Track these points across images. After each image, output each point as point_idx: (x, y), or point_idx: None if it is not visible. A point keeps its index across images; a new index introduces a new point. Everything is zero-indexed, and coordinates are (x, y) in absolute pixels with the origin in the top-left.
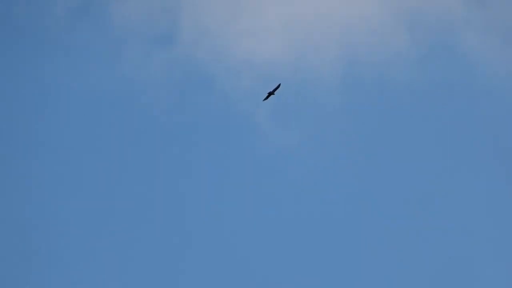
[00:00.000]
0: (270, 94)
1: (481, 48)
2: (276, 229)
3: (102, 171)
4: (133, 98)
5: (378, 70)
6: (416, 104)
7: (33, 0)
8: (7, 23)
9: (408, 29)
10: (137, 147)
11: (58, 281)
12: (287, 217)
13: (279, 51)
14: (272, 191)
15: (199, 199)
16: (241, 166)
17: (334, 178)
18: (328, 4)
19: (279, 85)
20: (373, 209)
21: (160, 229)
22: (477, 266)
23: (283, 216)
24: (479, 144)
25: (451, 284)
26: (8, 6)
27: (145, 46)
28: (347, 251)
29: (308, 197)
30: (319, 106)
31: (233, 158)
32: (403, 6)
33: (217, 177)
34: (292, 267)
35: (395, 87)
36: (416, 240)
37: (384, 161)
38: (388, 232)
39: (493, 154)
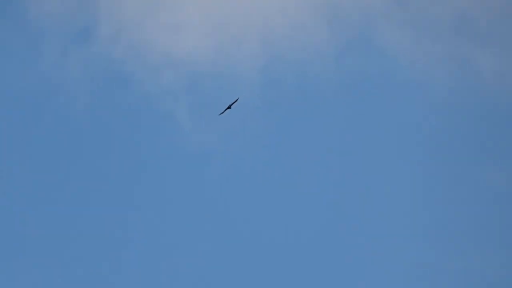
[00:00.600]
0: (227, 108)
1: (399, 42)
2: (196, 228)
3: (19, 170)
4: (51, 97)
5: (298, 65)
6: (336, 99)
7: None
8: None
9: (327, 23)
10: (54, 147)
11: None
12: (207, 216)
13: (199, 46)
14: (193, 190)
15: (118, 200)
16: (161, 165)
17: (254, 175)
18: None
19: (237, 100)
20: (293, 206)
21: (80, 235)
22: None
23: (203, 214)
24: (399, 136)
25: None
26: None
27: (62, 43)
28: (265, 250)
29: (228, 196)
30: (239, 101)
31: (153, 157)
32: (323, 0)
33: (136, 177)
34: (211, 268)
35: (314, 82)
36: (343, 237)
37: (303, 157)
38: (308, 228)
39: (414, 145)
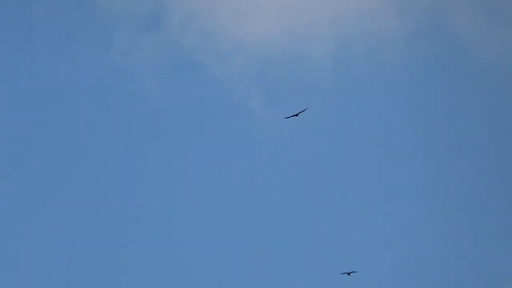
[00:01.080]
0: (294, 115)
1: (468, 26)
2: (269, 213)
3: (92, 158)
4: (122, 85)
5: (369, 49)
6: (407, 83)
7: None
8: None
9: (397, 8)
10: (125, 134)
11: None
12: (283, 202)
13: (269, 31)
14: (266, 177)
15: (191, 187)
16: (234, 152)
17: (328, 159)
18: None
19: (305, 109)
20: (369, 192)
21: (151, 215)
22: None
23: (278, 201)
24: (474, 125)
25: None
26: None
27: (132, 31)
28: (348, 234)
29: (301, 182)
30: (311, 86)
31: (225, 144)
32: None
33: (210, 165)
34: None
35: (385, 66)
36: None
37: (376, 140)
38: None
39: (492, 129)
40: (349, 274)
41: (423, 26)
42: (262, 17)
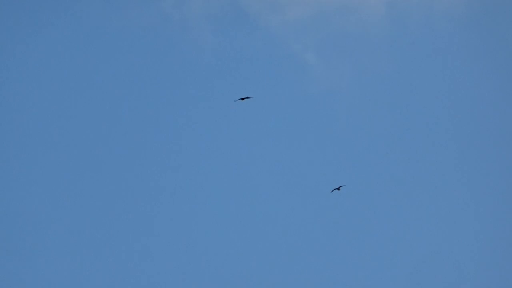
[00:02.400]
0: (241, 99)
1: None
2: (324, 167)
3: (144, 108)
4: (173, 36)
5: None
6: (462, 33)
7: None
8: None
9: None
10: (180, 86)
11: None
12: (338, 154)
13: None
14: (321, 129)
15: (245, 143)
16: (289, 104)
17: (382, 112)
18: None
19: (250, 98)
20: (424, 147)
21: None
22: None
23: (334, 152)
24: None
25: None
26: None
27: None
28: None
29: (357, 135)
30: (365, 39)
31: (280, 96)
32: None
33: (264, 118)
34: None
35: (440, 16)
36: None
37: (431, 93)
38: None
39: None
40: (338, 189)
41: None
42: None
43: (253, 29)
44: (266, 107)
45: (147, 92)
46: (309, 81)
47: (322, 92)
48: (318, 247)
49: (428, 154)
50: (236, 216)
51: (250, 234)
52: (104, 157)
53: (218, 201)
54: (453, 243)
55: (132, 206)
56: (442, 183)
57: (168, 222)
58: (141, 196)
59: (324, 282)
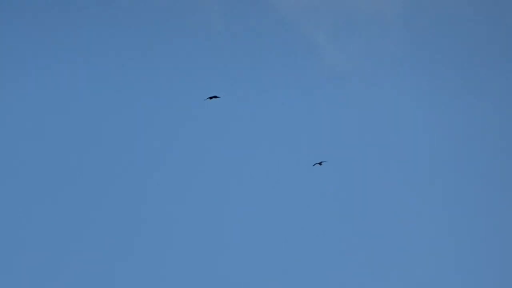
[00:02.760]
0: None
1: None
2: (331, 152)
3: (155, 83)
4: (185, 17)
5: None
6: (479, 18)
7: None
8: None
9: None
10: (190, 63)
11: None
12: (349, 138)
13: None
14: (332, 111)
15: (254, 122)
16: (300, 86)
17: (395, 95)
18: None
19: (219, 97)
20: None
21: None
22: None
23: (344, 136)
24: None
25: None
26: None
27: None
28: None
29: (369, 117)
30: (378, 19)
31: (291, 78)
32: None
33: (276, 100)
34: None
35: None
36: None
37: (447, 75)
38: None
39: None
40: (320, 164)
41: None
42: None
43: (264, 10)
44: (278, 89)
45: (155, 76)
46: (320, 62)
47: (334, 74)
48: (318, 248)
49: (444, 138)
50: (241, 214)
51: (251, 234)
52: (97, 154)
53: (225, 197)
54: (451, 244)
55: (130, 205)
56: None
57: (163, 222)
58: (139, 196)
59: (324, 283)
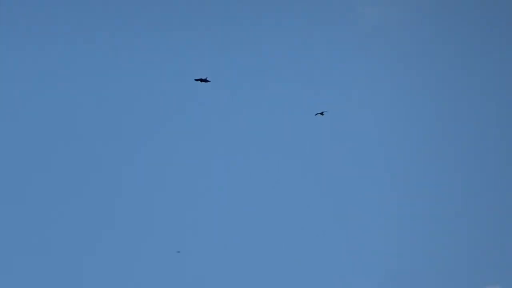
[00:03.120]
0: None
1: None
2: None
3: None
4: None
5: None
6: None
7: None
8: None
9: None
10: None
11: None
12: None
13: None
14: (373, 71)
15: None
16: (335, 45)
17: (429, 52)
18: None
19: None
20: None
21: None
22: None
23: (383, 90)
24: None
25: None
26: None
27: None
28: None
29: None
30: None
31: (330, 34)
32: None
33: (310, 57)
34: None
35: None
36: None
37: (485, 31)
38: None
39: None
40: (322, 114)
41: None
42: None
43: None
44: (314, 48)
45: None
46: (357, 19)
47: (370, 30)
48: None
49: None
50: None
51: (251, 234)
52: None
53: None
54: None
55: (130, 206)
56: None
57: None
58: (140, 196)
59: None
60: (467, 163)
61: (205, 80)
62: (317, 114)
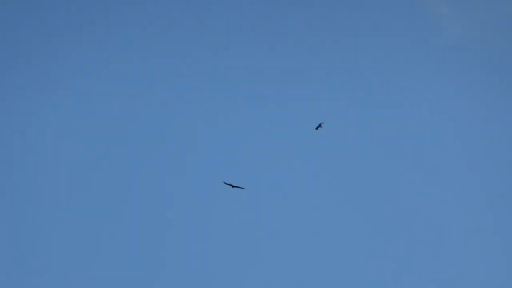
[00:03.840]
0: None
1: None
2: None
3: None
4: None
5: None
6: None
7: None
8: None
9: None
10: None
11: None
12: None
13: None
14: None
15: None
16: (417, 55)
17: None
18: None
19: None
20: None
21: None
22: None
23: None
24: None
25: None
26: None
27: None
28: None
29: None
30: None
31: (411, 48)
32: None
33: (385, 63)
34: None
35: None
36: None
37: None
38: None
39: None
40: (320, 126)
41: None
42: None
43: None
44: (394, 59)
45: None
46: (439, 31)
47: (453, 43)
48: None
49: None
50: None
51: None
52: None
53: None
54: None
55: (132, 209)
56: None
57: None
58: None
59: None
60: None
61: (238, 187)
62: (318, 127)
